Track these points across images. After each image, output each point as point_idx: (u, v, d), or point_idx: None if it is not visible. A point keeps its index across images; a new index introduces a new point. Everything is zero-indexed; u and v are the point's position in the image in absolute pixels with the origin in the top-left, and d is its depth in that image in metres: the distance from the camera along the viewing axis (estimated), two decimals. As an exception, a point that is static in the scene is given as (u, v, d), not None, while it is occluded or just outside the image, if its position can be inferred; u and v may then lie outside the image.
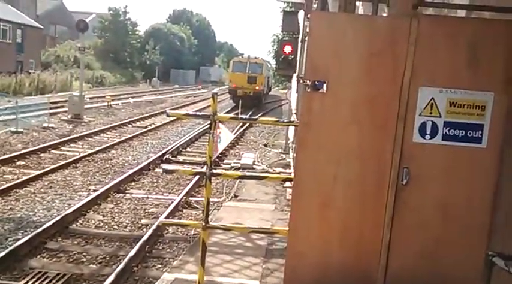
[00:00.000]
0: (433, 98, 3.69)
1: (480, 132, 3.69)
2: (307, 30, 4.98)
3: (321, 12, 4.37)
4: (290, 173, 10.14)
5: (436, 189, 3.75)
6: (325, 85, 3.70)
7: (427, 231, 3.77)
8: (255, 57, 32.52)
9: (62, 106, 21.90)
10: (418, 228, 3.78)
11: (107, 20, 55.35)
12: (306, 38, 5.16)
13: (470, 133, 3.70)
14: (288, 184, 9.18)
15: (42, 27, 44.08)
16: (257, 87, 30.80)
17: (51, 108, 19.39)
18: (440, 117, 3.70)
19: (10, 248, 6.22)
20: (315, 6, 8.89)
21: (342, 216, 3.81)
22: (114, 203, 8.96)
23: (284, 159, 13.38)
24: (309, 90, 3.73)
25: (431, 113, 3.70)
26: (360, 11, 4.94)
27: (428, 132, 3.72)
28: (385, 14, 4.45)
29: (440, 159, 3.73)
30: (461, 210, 3.75)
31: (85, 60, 28.35)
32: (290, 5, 19.54)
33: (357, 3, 4.49)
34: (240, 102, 24.44)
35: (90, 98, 27.07)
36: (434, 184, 3.75)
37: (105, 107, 25.15)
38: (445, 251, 3.78)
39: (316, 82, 3.71)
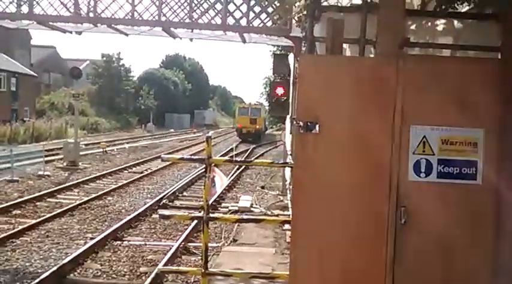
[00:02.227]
0: (425, 136, 3.74)
1: (474, 169, 3.73)
2: (298, 72, 5.09)
3: (309, 55, 4.48)
4: (288, 215, 10.09)
5: (435, 227, 3.74)
6: (317, 126, 3.75)
7: (429, 272, 3.74)
8: (255, 104, 42.89)
9: (57, 154, 21.88)
10: (421, 269, 3.74)
11: (100, 67, 56.05)
12: (297, 80, 5.27)
13: (464, 170, 3.74)
14: (287, 226, 9.11)
15: (36, 75, 44.56)
16: (257, 126, 40.39)
17: (46, 156, 19.39)
18: (434, 154, 3.75)
19: (6, 302, 6.11)
20: (303, 48, 9.10)
21: (342, 258, 3.79)
22: (112, 251, 8.84)
23: (282, 200, 13.33)
24: (302, 131, 3.79)
25: (424, 151, 3.75)
26: (347, 52, 5.07)
27: (423, 170, 3.76)
28: (372, 55, 4.57)
29: (437, 197, 3.75)
30: (462, 248, 3.73)
31: (79, 107, 28.57)
32: (280, 48, 19.96)
33: (344, 45, 4.61)
34: (245, 137, 36.53)
35: (86, 145, 27.12)
36: (434, 223, 3.74)
37: (101, 153, 25.16)
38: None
39: (308, 123, 3.76)
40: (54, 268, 7.32)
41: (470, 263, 3.73)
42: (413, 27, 4.90)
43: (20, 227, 9.82)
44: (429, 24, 4.99)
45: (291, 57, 11.70)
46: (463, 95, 3.73)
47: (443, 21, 4.93)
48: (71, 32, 12.42)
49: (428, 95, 3.75)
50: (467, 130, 3.72)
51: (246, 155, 26.55)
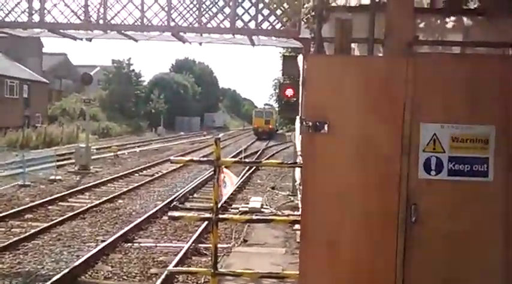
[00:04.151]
0: (435, 134, 3.71)
1: (486, 166, 3.70)
2: (306, 72, 5.09)
3: (317, 56, 4.47)
4: (298, 215, 10.06)
5: (446, 225, 3.71)
6: (326, 125, 3.74)
7: (440, 269, 3.71)
8: (268, 107, 52.39)
9: (69, 158, 22.06)
10: (431, 267, 3.71)
11: (111, 72, 56.43)
12: (305, 80, 5.26)
13: (475, 167, 3.71)
14: (297, 226, 9.09)
15: (48, 81, 45.00)
16: (270, 126, 49.46)
17: (58, 161, 19.55)
18: (444, 152, 3.71)
19: (18, 304, 6.16)
20: (312, 49, 9.09)
21: (352, 257, 3.76)
22: (123, 253, 8.89)
23: (292, 201, 13.31)
24: (310, 131, 3.77)
25: (434, 149, 3.72)
26: (356, 52, 5.05)
27: (433, 167, 3.73)
28: (380, 54, 4.54)
29: (448, 195, 3.72)
30: (473, 246, 3.70)
31: (91, 112, 28.80)
32: (289, 49, 19.96)
33: (352, 44, 4.59)
34: (260, 135, 46.31)
35: (97, 149, 27.29)
36: (445, 221, 3.71)
37: (112, 157, 25.31)
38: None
39: (317, 123, 3.75)
40: (66, 271, 7.38)
41: (481, 261, 3.69)
42: (422, 25, 4.88)
43: (32, 230, 9.91)
44: (438, 21, 4.97)
45: (300, 58, 11.67)
46: (474, 92, 3.69)
47: (452, 18, 4.90)
48: (81, 39, 12.51)
49: (438, 93, 3.72)
50: (478, 127, 3.68)
51: (255, 157, 26.53)
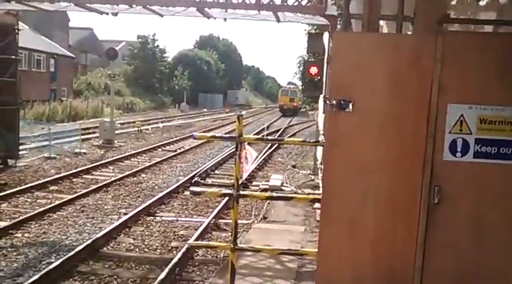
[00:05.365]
0: (462, 115, 3.63)
1: (513, 149, 3.60)
2: (332, 49, 5.00)
3: (344, 32, 4.37)
4: (319, 194, 10.05)
5: (469, 208, 3.66)
6: (350, 104, 3.69)
7: (462, 251, 3.67)
8: (293, 86, 55.30)
9: (94, 132, 22.39)
10: (453, 249, 3.68)
11: (136, 48, 56.61)
12: (331, 58, 5.17)
13: (503, 150, 3.62)
14: (317, 205, 9.08)
15: (74, 56, 45.45)
16: (294, 104, 52.45)
17: (82, 134, 19.85)
18: (471, 134, 3.63)
19: (43, 271, 6.33)
20: (338, 27, 8.94)
21: (373, 237, 3.75)
22: (145, 226, 9.04)
23: (313, 180, 13.29)
24: (334, 110, 3.73)
25: (461, 130, 3.64)
26: (384, 29, 4.93)
27: (459, 149, 3.65)
28: (409, 32, 4.42)
29: (473, 177, 3.65)
30: (496, 228, 3.65)
31: (115, 87, 29.00)
32: (315, 27, 19.68)
33: (381, 22, 4.48)
34: (285, 112, 50.31)
35: (121, 124, 27.63)
36: (468, 203, 3.66)
37: (136, 132, 25.58)
38: (480, 271, 3.66)
39: (341, 102, 3.70)
40: (89, 242, 7.55)
41: (503, 245, 3.63)
42: (453, 2, 4.73)
43: (57, 202, 10.15)
44: (470, -1, 4.81)
45: (325, 36, 11.50)
46: (504, 73, 3.58)
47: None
48: (107, 13, 12.52)
49: (467, 73, 3.62)
50: (507, 108, 3.58)
51: (277, 135, 26.48)
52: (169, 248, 7.92)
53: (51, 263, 6.73)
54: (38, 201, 10.48)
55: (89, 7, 11.80)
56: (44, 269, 6.49)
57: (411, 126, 3.68)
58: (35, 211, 9.30)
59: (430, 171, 3.65)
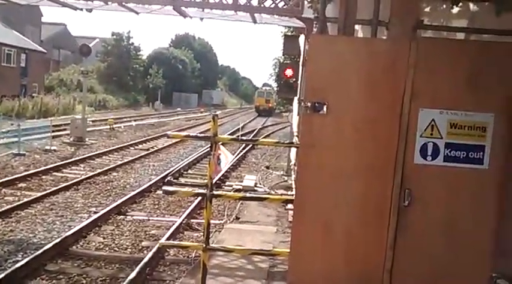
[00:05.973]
0: (433, 120, 3.69)
1: (481, 153, 3.69)
2: (307, 52, 5.04)
3: (320, 35, 4.41)
4: (292, 195, 10.09)
5: (439, 211, 3.73)
6: (325, 107, 3.72)
7: (430, 254, 3.74)
8: (268, 88, 58.86)
9: (65, 129, 21.97)
10: (421, 251, 3.74)
11: (110, 45, 55.88)
12: (306, 60, 5.20)
13: (471, 155, 3.70)
14: (290, 206, 9.13)
15: (45, 51, 44.54)
16: (270, 105, 55.74)
17: (53, 131, 19.47)
18: (442, 138, 3.70)
19: (9, 270, 6.18)
20: (315, 30, 9.00)
21: (346, 239, 3.78)
22: (115, 225, 8.92)
23: (286, 181, 13.35)
24: (309, 112, 3.75)
25: (432, 134, 3.71)
26: (359, 34, 4.99)
27: (429, 153, 3.72)
28: (384, 37, 4.49)
29: (443, 181, 3.72)
30: (465, 231, 3.72)
31: (88, 84, 28.54)
32: (291, 29, 19.79)
33: (356, 26, 4.53)
34: (261, 112, 53.58)
35: (93, 121, 27.20)
36: (437, 206, 3.72)
37: (108, 130, 25.24)
38: (449, 273, 3.74)
39: (316, 104, 3.73)
40: (58, 240, 7.41)
41: (472, 248, 3.71)
42: (427, 9, 4.82)
43: (25, 199, 9.93)
44: (444, 6, 4.91)
45: (301, 38, 11.58)
46: (475, 79, 3.66)
47: (458, 3, 4.83)
48: (81, 9, 12.32)
49: (439, 79, 3.69)
50: (477, 114, 3.67)
51: (252, 135, 26.51)
52: (140, 247, 7.83)
53: (17, 261, 6.58)
54: (5, 198, 10.22)
55: (62, 2, 11.61)
56: (10, 268, 6.34)
57: (384, 130, 3.73)
58: (2, 209, 9.08)
59: (401, 174, 3.71)
